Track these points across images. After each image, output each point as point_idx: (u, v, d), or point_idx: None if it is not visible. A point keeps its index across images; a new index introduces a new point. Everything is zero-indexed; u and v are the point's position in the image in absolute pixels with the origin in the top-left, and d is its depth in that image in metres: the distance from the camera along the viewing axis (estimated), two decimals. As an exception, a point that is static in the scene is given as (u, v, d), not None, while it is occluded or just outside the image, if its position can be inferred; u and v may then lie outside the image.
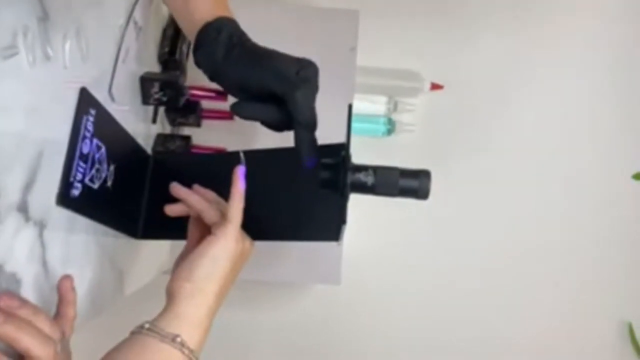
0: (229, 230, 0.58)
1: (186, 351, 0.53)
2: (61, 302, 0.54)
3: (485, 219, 1.52)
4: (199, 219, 0.63)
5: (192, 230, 0.64)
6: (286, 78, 0.56)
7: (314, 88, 0.57)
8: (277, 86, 0.56)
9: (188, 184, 0.66)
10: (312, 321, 1.50)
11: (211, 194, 0.65)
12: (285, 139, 0.61)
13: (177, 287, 0.56)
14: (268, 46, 0.61)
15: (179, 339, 0.53)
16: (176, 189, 0.65)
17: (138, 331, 0.54)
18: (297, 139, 0.57)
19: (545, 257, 1.52)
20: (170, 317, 0.55)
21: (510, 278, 1.51)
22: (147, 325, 0.54)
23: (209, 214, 0.61)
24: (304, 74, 0.56)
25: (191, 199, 0.63)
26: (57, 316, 0.53)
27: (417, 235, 1.51)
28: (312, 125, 0.57)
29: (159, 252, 0.90)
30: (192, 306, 0.56)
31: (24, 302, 0.47)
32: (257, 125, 0.61)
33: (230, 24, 0.60)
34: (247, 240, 0.61)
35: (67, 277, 0.54)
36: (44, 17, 0.49)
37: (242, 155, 0.61)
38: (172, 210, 0.66)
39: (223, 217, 0.60)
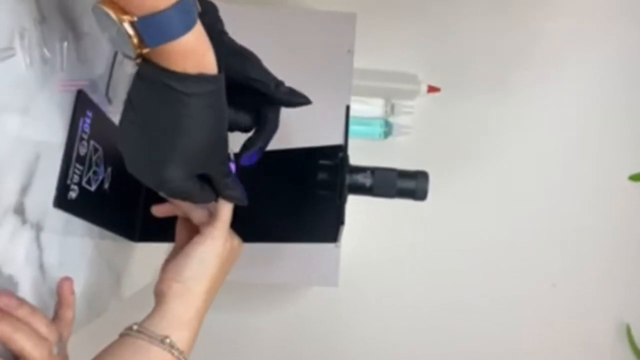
0: (217, 229, 0.58)
1: (176, 352, 0.53)
2: (60, 304, 0.53)
3: (483, 221, 1.52)
4: (188, 220, 0.63)
5: (181, 230, 0.64)
6: (270, 75, 0.57)
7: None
8: (264, 79, 0.57)
9: None
10: (308, 324, 1.49)
11: None
12: (278, 141, 0.61)
13: (165, 287, 0.56)
14: (266, 49, 0.61)
15: (168, 340, 0.53)
16: None
17: (126, 333, 0.53)
18: (261, 139, 0.59)
19: (543, 258, 1.52)
20: (158, 318, 0.54)
21: (508, 280, 1.51)
22: (135, 327, 0.53)
23: (197, 213, 0.61)
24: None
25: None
26: (55, 318, 0.53)
27: (414, 237, 1.51)
28: (275, 131, 0.59)
29: (156, 255, 0.90)
30: (181, 307, 0.55)
31: (22, 302, 0.47)
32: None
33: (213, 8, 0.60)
34: (236, 240, 0.61)
35: (67, 279, 0.54)
36: (41, 19, 0.49)
37: (231, 154, 0.61)
38: (158, 210, 0.65)
39: (211, 216, 0.59)
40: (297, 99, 0.58)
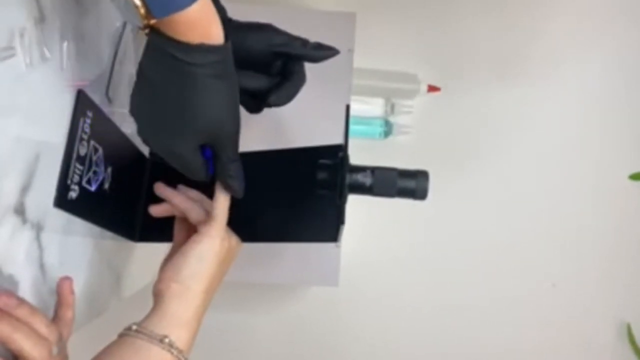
0: (214, 228, 0.58)
1: (175, 351, 0.53)
2: (60, 304, 0.53)
3: (482, 221, 1.52)
4: (185, 219, 0.63)
5: (178, 230, 0.64)
6: (292, 35, 0.58)
7: None
8: (287, 42, 0.58)
9: (184, 185, 0.66)
10: (308, 324, 1.49)
11: (195, 193, 0.65)
12: (278, 141, 0.61)
13: (164, 287, 0.56)
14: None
15: (167, 340, 0.53)
16: (160, 188, 0.65)
17: (126, 333, 0.53)
18: (288, 87, 0.59)
19: (543, 258, 1.52)
20: (157, 317, 0.55)
21: (509, 279, 1.51)
22: (134, 327, 0.53)
23: (194, 213, 0.61)
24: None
25: (175, 199, 0.63)
26: (55, 318, 0.53)
27: (414, 237, 1.51)
28: (303, 84, 0.60)
29: (156, 255, 0.89)
30: (180, 306, 0.55)
31: (22, 301, 0.47)
32: (250, 127, 0.61)
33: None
34: (234, 238, 0.61)
35: (67, 279, 0.54)
36: (41, 19, 0.49)
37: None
38: (156, 210, 0.65)
39: (208, 215, 0.59)
40: (327, 52, 0.60)
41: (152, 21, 0.44)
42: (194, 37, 0.45)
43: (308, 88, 0.61)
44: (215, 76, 0.48)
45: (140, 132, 0.53)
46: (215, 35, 0.47)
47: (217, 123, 0.51)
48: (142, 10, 0.43)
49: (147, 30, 0.46)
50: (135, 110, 0.52)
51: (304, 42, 0.59)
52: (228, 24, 0.55)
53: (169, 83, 0.48)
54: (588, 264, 1.53)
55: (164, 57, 0.46)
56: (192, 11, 0.44)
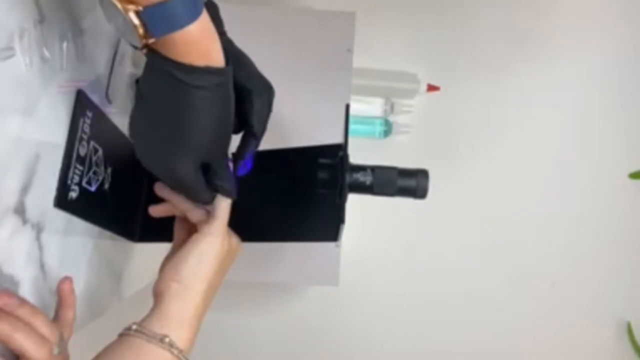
0: (214, 227, 0.57)
1: (175, 351, 0.53)
2: (61, 304, 0.53)
3: (482, 220, 1.52)
4: (185, 219, 0.63)
5: (179, 230, 0.64)
6: (264, 79, 0.56)
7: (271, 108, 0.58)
8: (255, 82, 0.55)
9: None
10: (308, 324, 1.49)
11: None
12: (278, 141, 0.61)
13: (164, 287, 0.56)
14: (266, 49, 0.60)
15: (167, 339, 0.53)
16: (160, 188, 0.65)
17: (126, 333, 0.53)
18: (246, 145, 0.57)
19: (542, 257, 1.52)
20: (157, 317, 0.54)
21: (508, 279, 1.51)
22: (134, 327, 0.53)
23: (194, 212, 0.61)
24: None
25: (175, 198, 0.63)
26: (56, 318, 0.53)
27: (414, 236, 1.51)
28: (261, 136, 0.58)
29: (156, 255, 0.89)
30: (180, 306, 0.55)
31: (23, 301, 0.47)
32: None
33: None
34: (234, 238, 0.61)
35: (67, 279, 0.54)
36: (41, 19, 0.49)
37: (229, 154, 0.61)
38: (156, 210, 0.65)
39: (209, 215, 0.59)
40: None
41: (151, 41, 0.44)
42: (193, 57, 0.45)
43: (308, 87, 0.61)
44: (215, 98, 0.47)
45: (139, 153, 0.52)
46: (215, 55, 0.46)
47: (217, 143, 0.51)
48: (141, 30, 0.43)
49: (144, 51, 0.45)
50: (135, 131, 0.51)
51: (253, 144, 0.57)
52: (229, 44, 0.55)
53: (169, 104, 0.47)
54: (587, 262, 1.53)
55: (164, 78, 0.46)
56: (191, 31, 0.43)
